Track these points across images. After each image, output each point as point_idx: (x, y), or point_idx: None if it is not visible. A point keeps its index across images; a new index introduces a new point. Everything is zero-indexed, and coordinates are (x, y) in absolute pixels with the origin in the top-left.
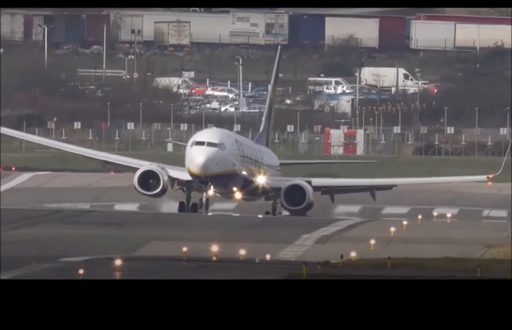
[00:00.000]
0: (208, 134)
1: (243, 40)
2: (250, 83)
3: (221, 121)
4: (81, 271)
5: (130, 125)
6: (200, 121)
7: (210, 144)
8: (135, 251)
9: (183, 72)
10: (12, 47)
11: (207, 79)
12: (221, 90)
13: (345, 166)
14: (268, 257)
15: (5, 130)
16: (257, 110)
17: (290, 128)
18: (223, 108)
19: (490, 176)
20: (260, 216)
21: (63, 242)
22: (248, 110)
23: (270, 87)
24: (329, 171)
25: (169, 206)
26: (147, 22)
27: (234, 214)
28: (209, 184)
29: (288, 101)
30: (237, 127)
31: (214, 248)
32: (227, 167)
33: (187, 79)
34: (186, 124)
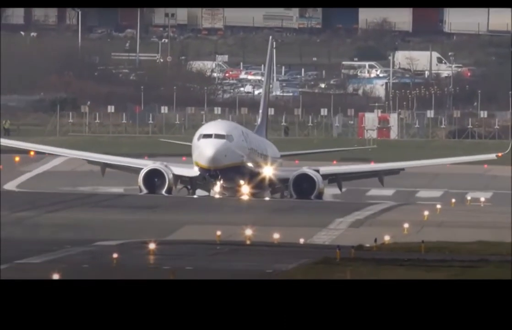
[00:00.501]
0: (215, 126)
1: (276, 23)
2: (283, 67)
3: (255, 104)
4: (115, 255)
5: (164, 109)
6: (233, 105)
7: (218, 136)
8: (169, 234)
9: (217, 55)
10: (46, 31)
11: (241, 63)
12: (254, 74)
13: (377, 151)
14: (301, 241)
15: (5, 142)
16: (291, 94)
17: (323, 112)
18: (256, 92)
19: (500, 154)
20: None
21: (98, 226)
22: (281, 94)
23: (264, 80)
24: (364, 155)
25: None
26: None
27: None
28: (219, 177)
29: (322, 85)
30: (271, 111)
31: (248, 231)
32: (235, 159)
33: (220, 62)
34: (219, 108)
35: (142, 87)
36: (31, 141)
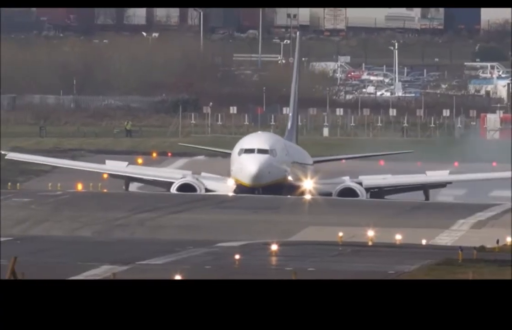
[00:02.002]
0: (258, 139)
1: (398, 24)
2: (405, 68)
3: (377, 106)
4: (237, 256)
5: (286, 110)
6: (356, 106)
7: (260, 151)
8: (292, 235)
9: (339, 56)
10: (168, 31)
11: (363, 64)
12: (376, 75)
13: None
14: (423, 242)
15: (12, 155)
16: (413, 94)
17: (445, 113)
18: (378, 93)
19: None
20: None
21: (220, 227)
22: (404, 95)
23: (293, 77)
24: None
25: None
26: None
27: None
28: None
29: (443, 86)
30: (393, 111)
31: (370, 233)
32: (279, 175)
33: (343, 63)
34: (341, 109)
35: (264, 88)
36: (153, 142)
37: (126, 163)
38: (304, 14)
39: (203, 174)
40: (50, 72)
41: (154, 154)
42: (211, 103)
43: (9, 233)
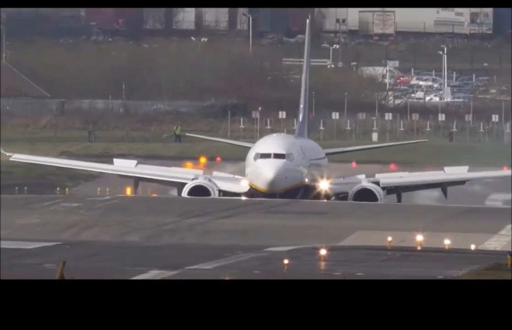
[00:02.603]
0: (274, 143)
1: (447, 29)
2: (454, 73)
3: (426, 111)
4: (286, 261)
5: (335, 115)
6: (405, 111)
7: (277, 156)
8: (341, 240)
9: (388, 61)
10: (217, 36)
11: (412, 69)
12: (425, 80)
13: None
14: (472, 247)
15: (17, 157)
16: (461, 99)
17: (494, 118)
18: (427, 98)
19: None
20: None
21: (268, 232)
22: (452, 100)
23: (304, 69)
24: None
25: None
26: (352, 11)
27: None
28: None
29: (492, 91)
30: (442, 116)
31: (419, 237)
32: (296, 179)
33: (391, 68)
34: (390, 114)
35: (313, 93)
36: (201, 147)
37: (135, 162)
38: (353, 19)
39: (214, 173)
40: (99, 77)
41: (203, 160)
42: (260, 108)
43: (58, 237)
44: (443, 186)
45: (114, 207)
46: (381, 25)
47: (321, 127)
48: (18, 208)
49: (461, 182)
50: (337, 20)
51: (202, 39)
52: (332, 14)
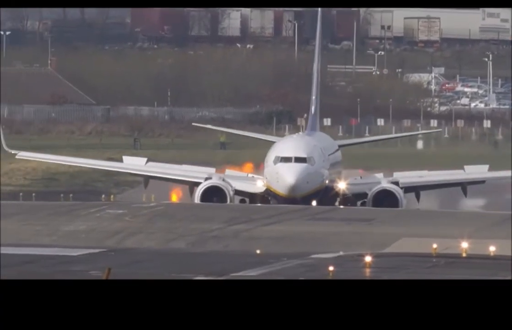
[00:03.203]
0: (295, 146)
1: (493, 36)
2: (500, 79)
3: (471, 117)
4: (331, 268)
5: (380, 122)
6: (450, 118)
7: (298, 160)
8: (385, 247)
9: (433, 68)
10: (262, 43)
11: (457, 75)
12: (471, 86)
13: None
14: None
15: (22, 155)
16: (507, 106)
17: None
18: (472, 105)
19: None
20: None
21: (313, 238)
22: (498, 107)
23: (315, 58)
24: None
25: None
26: (397, 18)
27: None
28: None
29: None
30: (487, 123)
31: (464, 244)
32: (317, 183)
33: (437, 75)
34: (436, 121)
35: (358, 99)
36: (247, 154)
37: (145, 160)
38: (398, 25)
39: (227, 171)
40: (144, 84)
41: (248, 166)
42: (305, 115)
43: (103, 244)
44: (463, 185)
45: (159, 214)
46: (426, 31)
47: (366, 134)
48: (63, 215)
49: (481, 181)
50: (382, 27)
51: (248, 46)
52: (377, 21)
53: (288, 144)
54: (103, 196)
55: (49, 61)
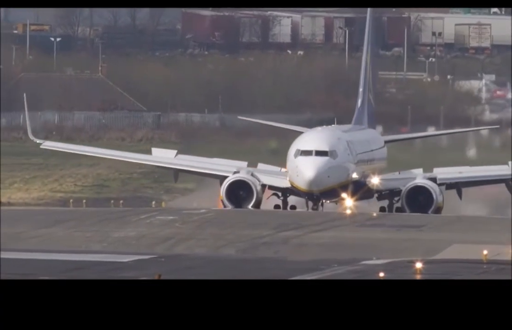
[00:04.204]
0: (316, 139)
1: None
2: None
3: None
4: (381, 274)
5: (431, 129)
6: (501, 125)
7: (319, 153)
8: (436, 253)
9: (484, 75)
10: (313, 49)
11: (508, 83)
12: None
13: None
14: None
15: (47, 144)
16: None
17: None
18: None
19: None
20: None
21: (364, 245)
22: None
23: (364, 52)
24: None
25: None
26: (448, 25)
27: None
28: (321, 201)
29: None
30: None
31: None
32: (340, 178)
33: (487, 82)
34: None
35: (409, 107)
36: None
37: (175, 152)
38: (449, 32)
39: (259, 165)
40: (195, 90)
41: None
42: None
43: (153, 250)
44: (507, 181)
45: (209, 220)
46: (477, 38)
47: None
48: (114, 221)
49: None
50: (433, 33)
51: (299, 53)
52: (428, 27)
53: (310, 137)
54: (153, 202)
55: (99, 68)
